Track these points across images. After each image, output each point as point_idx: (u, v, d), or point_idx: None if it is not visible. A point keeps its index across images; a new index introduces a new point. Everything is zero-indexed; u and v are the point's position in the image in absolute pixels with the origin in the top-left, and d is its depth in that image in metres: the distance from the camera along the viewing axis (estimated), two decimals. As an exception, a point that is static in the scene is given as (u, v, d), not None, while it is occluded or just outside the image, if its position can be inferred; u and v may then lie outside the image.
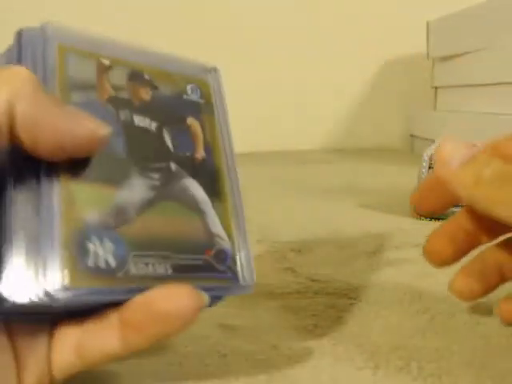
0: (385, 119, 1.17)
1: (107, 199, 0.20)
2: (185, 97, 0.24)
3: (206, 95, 0.25)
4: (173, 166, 0.23)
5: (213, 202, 0.23)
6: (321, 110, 1.15)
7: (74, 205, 0.19)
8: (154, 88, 0.23)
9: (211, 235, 0.23)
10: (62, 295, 0.18)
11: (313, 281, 0.36)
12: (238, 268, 0.23)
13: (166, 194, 0.22)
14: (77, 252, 0.19)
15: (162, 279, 0.20)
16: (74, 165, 0.20)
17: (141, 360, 0.26)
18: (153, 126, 0.23)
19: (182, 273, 0.21)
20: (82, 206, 0.19)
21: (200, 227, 0.23)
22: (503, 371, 0.24)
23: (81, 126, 0.19)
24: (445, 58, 1.00)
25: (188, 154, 0.23)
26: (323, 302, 0.33)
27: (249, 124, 1.11)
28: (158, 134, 0.23)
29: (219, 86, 0.26)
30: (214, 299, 0.23)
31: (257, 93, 1.12)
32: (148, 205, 0.21)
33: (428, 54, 1.05)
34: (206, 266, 0.22)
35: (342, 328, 0.29)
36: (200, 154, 0.24)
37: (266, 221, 0.53)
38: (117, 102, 0.22)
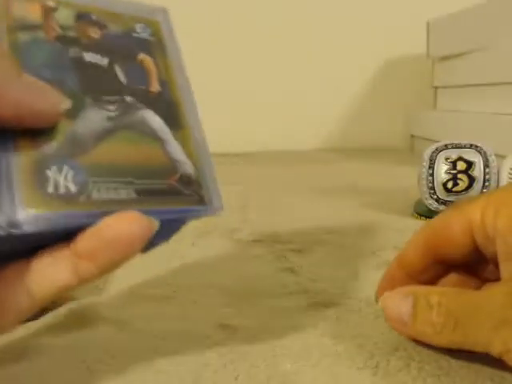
0: (385, 119, 1.17)
1: (63, 131, 0.20)
2: (134, 34, 0.25)
3: (156, 33, 0.25)
4: (128, 98, 0.23)
5: (172, 131, 0.24)
6: (320, 109, 1.15)
7: (30, 139, 0.19)
8: (103, 27, 0.24)
9: (174, 161, 0.23)
10: (25, 221, 0.18)
11: (313, 281, 0.36)
12: (204, 191, 0.23)
13: (123, 123, 0.22)
14: (36, 180, 0.19)
15: (125, 203, 0.20)
16: None
17: (140, 359, 0.26)
18: (104, 61, 0.23)
19: (147, 196, 0.21)
20: (37, 139, 0.20)
21: (161, 154, 0.23)
22: (503, 372, 0.24)
23: (42, 100, 0.19)
24: (445, 58, 1.00)
25: (142, 87, 0.24)
26: (323, 301, 0.33)
27: (248, 124, 1.11)
28: (110, 69, 0.23)
29: (169, 26, 0.26)
30: (180, 223, 0.23)
31: (257, 93, 1.12)
32: (106, 134, 0.22)
33: (428, 53, 1.05)
34: (171, 189, 0.22)
35: (342, 328, 0.29)
36: (154, 87, 0.24)
37: (265, 221, 0.53)
38: (65, 40, 0.22)
